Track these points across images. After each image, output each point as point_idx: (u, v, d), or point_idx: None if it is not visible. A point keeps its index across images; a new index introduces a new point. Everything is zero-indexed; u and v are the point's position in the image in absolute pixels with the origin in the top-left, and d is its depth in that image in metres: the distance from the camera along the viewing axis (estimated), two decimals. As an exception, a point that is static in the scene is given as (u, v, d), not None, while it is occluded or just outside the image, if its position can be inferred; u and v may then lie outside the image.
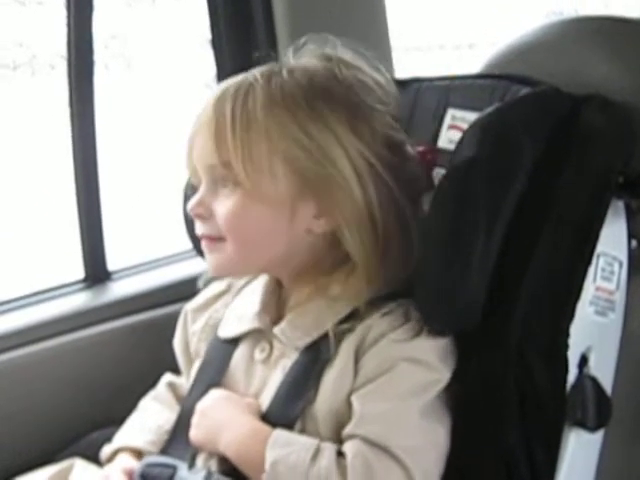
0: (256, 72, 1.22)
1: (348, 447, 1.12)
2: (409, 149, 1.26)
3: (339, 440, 1.14)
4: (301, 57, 1.27)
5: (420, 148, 1.29)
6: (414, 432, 1.12)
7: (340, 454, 1.12)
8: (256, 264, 1.26)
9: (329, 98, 1.19)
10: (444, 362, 1.16)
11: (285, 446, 1.13)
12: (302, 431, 1.17)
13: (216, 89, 1.22)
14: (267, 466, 1.12)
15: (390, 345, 1.15)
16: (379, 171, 1.19)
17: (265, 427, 1.18)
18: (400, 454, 1.09)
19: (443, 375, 1.15)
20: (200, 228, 1.24)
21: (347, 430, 1.13)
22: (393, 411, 1.12)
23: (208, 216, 1.22)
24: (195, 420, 1.25)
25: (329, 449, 1.12)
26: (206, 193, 1.22)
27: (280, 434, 1.15)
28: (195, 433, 1.24)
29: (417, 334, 1.16)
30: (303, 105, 1.18)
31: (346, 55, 1.26)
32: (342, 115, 1.18)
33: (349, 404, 1.15)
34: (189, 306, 1.41)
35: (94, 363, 1.73)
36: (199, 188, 1.23)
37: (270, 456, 1.12)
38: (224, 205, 1.20)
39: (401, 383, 1.13)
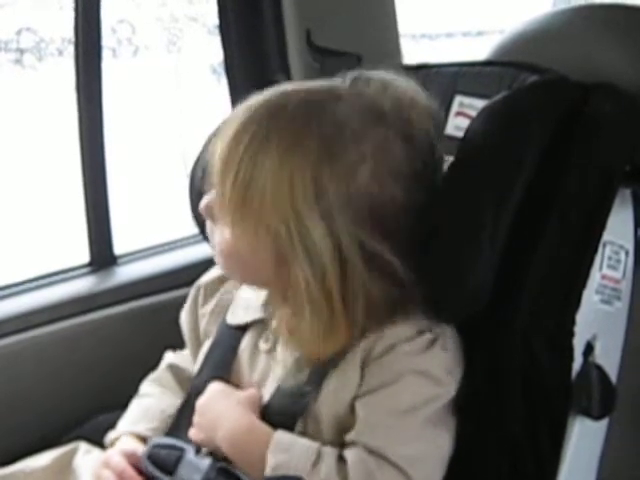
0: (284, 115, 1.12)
1: (349, 454, 1.11)
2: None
3: (340, 442, 1.13)
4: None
5: None
6: (416, 442, 1.11)
7: (341, 459, 1.11)
8: (246, 282, 1.25)
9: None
10: (452, 375, 1.15)
11: (286, 451, 1.12)
12: (303, 431, 1.16)
13: (247, 105, 1.15)
14: (268, 471, 1.11)
15: (400, 357, 1.13)
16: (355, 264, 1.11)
17: (263, 425, 1.17)
18: (401, 463, 1.09)
19: (448, 389, 1.14)
20: (207, 226, 1.22)
21: (350, 436, 1.12)
22: (395, 423, 1.11)
23: (214, 222, 1.19)
24: (195, 419, 1.24)
25: (330, 455, 1.11)
26: (215, 202, 1.17)
27: (281, 437, 1.14)
28: (194, 433, 1.24)
29: (428, 347, 1.14)
30: (307, 181, 1.09)
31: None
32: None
33: (352, 409, 1.14)
34: (202, 281, 1.39)
35: (99, 347, 1.73)
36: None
37: (272, 461, 1.11)
38: (220, 232, 1.17)
39: (406, 396, 1.12)
